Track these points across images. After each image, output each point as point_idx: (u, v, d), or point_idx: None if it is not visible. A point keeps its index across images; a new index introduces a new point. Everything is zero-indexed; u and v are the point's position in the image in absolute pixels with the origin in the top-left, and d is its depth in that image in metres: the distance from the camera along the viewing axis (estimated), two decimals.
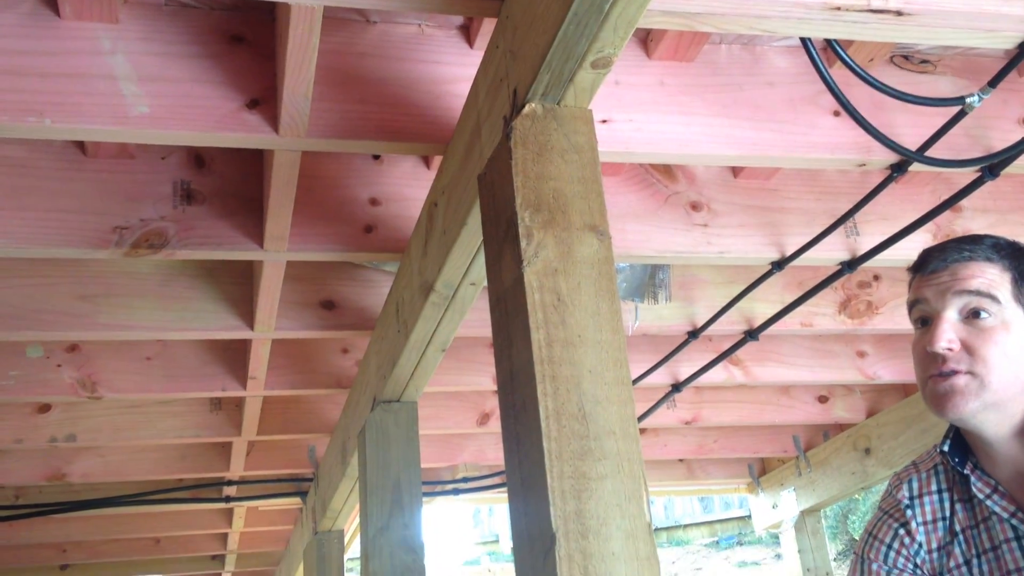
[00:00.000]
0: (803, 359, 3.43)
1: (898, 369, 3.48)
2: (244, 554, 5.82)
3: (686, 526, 13.38)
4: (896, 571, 1.54)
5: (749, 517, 9.70)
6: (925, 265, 1.49)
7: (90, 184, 2.07)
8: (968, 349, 1.41)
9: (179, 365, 2.93)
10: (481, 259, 1.80)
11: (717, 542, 12.77)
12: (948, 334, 1.42)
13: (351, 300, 2.69)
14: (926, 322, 1.47)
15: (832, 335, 3.46)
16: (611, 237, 1.40)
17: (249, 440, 3.63)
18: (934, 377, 1.43)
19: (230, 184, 2.15)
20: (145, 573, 5.86)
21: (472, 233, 1.73)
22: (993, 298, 1.41)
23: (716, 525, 13.22)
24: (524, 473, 1.32)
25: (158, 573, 5.94)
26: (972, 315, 1.42)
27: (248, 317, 2.55)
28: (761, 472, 5.04)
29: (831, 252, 2.40)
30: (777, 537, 7.38)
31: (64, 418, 3.25)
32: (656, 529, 13.69)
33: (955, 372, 1.41)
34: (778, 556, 10.73)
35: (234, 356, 3.00)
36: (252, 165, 2.18)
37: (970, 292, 1.42)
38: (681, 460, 4.92)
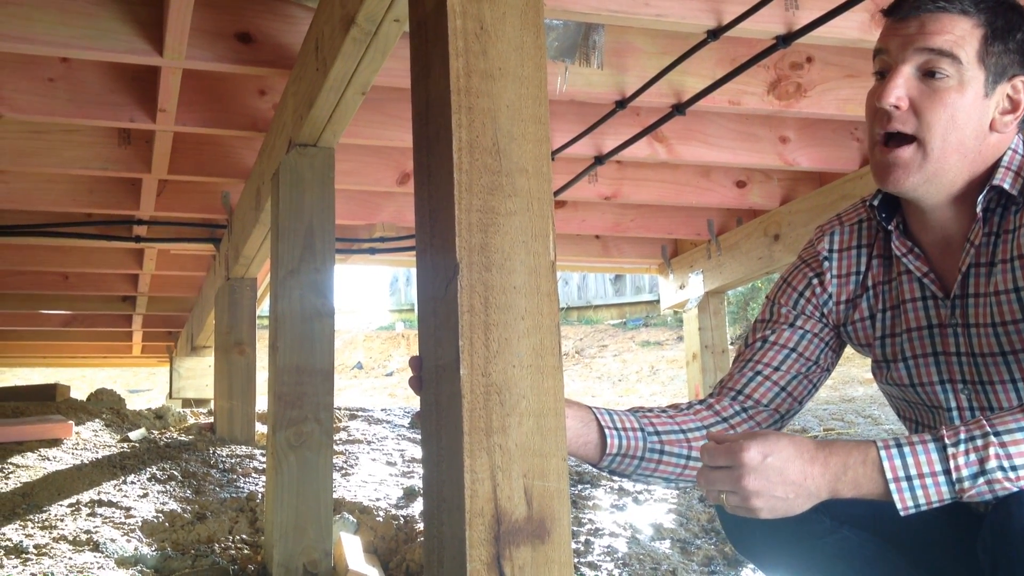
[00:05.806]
0: (727, 140, 3.44)
1: (817, 157, 3.52)
2: (156, 297, 5.82)
3: (596, 307, 13.82)
4: (803, 317, 1.58)
5: (657, 302, 10.06)
6: (897, 8, 1.40)
7: None
8: (916, 109, 1.37)
9: (84, 90, 2.78)
10: None
11: (625, 323, 13.26)
12: (898, 91, 1.37)
13: (270, 35, 2.56)
14: (884, 74, 1.41)
15: (758, 118, 3.45)
16: None
17: (160, 179, 3.54)
18: (881, 146, 1.40)
19: None
20: (53, 309, 5.84)
21: None
22: (954, 58, 1.35)
23: (626, 308, 13.68)
24: (433, 206, 1.30)
25: (67, 310, 5.92)
26: (928, 74, 1.37)
27: (157, 42, 2.40)
28: (673, 254, 5.16)
29: (768, 24, 2.35)
30: (681, 321, 7.69)
31: None
32: (568, 308, 13.99)
33: (900, 134, 1.37)
34: (680, 338, 11.23)
35: (143, 87, 2.86)
36: None
37: (931, 50, 1.36)
38: (597, 236, 4.98)
